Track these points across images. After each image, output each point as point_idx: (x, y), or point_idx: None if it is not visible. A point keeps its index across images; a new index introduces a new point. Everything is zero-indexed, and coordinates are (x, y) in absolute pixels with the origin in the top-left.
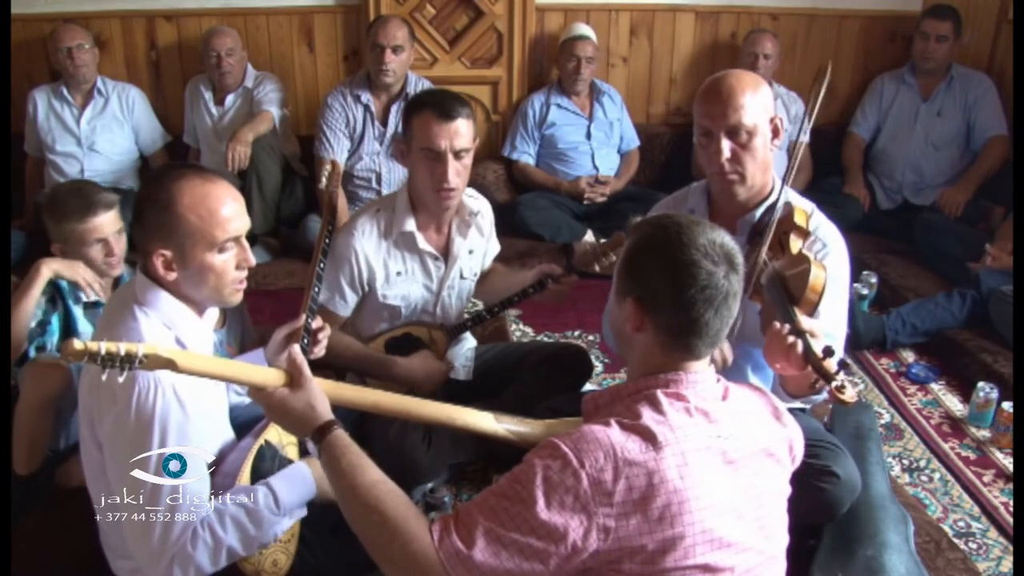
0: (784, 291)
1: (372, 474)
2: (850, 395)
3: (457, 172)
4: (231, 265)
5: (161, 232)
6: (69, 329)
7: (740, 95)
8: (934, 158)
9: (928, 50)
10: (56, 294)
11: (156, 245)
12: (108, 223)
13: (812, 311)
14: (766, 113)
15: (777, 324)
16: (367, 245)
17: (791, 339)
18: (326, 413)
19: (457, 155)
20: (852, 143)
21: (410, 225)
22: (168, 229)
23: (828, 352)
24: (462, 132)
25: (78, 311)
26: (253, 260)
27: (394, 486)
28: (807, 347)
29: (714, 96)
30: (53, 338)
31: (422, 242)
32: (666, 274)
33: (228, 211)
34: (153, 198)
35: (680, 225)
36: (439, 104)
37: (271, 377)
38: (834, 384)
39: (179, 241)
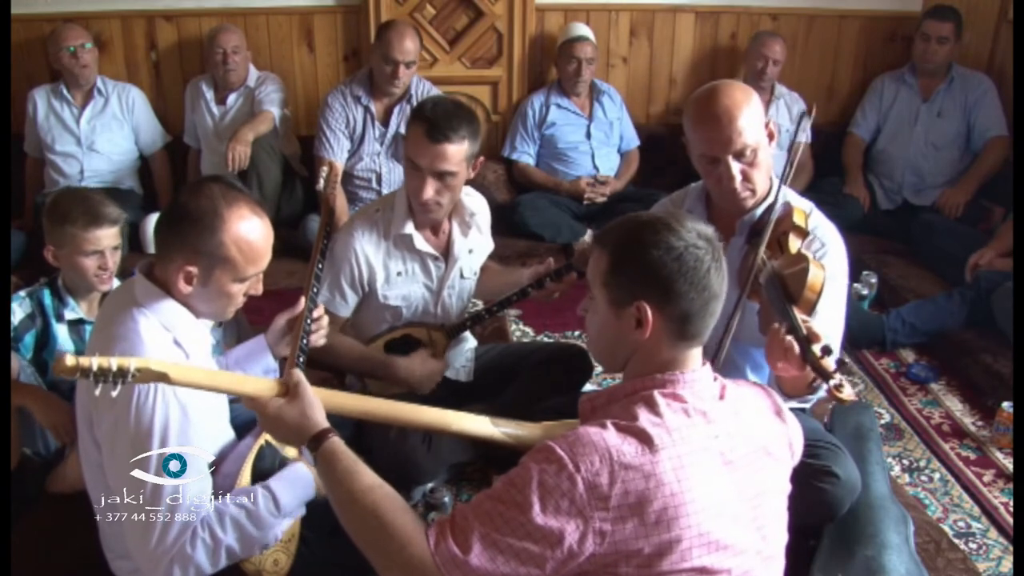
0: (783, 290)
1: (368, 480)
2: (848, 393)
3: (437, 190)
4: (243, 292)
5: (196, 251)
6: (46, 348)
7: (739, 116)
8: (934, 158)
9: (929, 51)
10: (38, 310)
11: (185, 261)
12: (109, 237)
13: (810, 311)
14: (761, 122)
15: (776, 324)
16: (367, 246)
17: (789, 339)
18: (322, 421)
19: (438, 175)
20: (852, 144)
21: (408, 227)
22: (204, 251)
23: (826, 351)
24: (447, 156)
25: (61, 329)
26: (261, 290)
27: (391, 491)
28: (805, 347)
29: (713, 122)
30: (26, 356)
31: (420, 243)
32: (674, 263)
33: (265, 250)
34: (199, 216)
35: (658, 219)
36: (434, 123)
37: (265, 388)
38: (832, 383)
39: (210, 264)
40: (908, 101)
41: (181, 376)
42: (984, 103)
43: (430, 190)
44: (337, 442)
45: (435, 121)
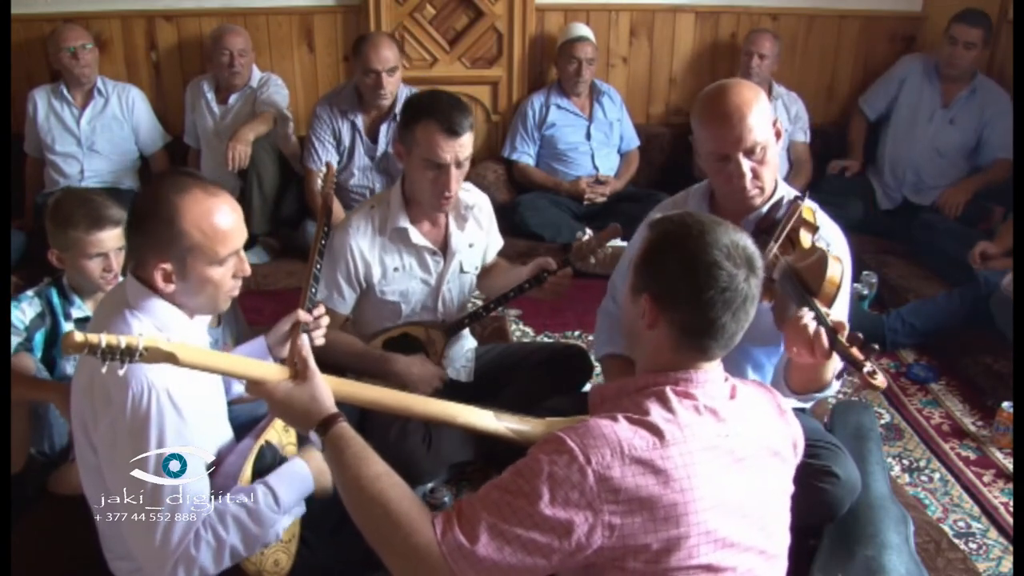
0: (800, 284)
1: (376, 467)
2: (881, 380)
3: (457, 180)
4: (228, 276)
5: (163, 246)
6: (55, 346)
7: (748, 114)
8: (937, 163)
9: (955, 56)
10: (47, 309)
11: (157, 259)
12: (112, 239)
13: (830, 303)
14: (770, 120)
15: (800, 314)
16: (362, 242)
17: (813, 328)
18: (331, 406)
19: (459, 164)
20: (858, 118)
21: (404, 222)
22: (170, 243)
23: (854, 339)
24: (466, 144)
25: (68, 327)
26: (249, 270)
27: (398, 479)
28: (833, 336)
29: (723, 120)
30: (36, 355)
31: (417, 237)
32: (686, 273)
33: (231, 227)
34: (155, 211)
35: (703, 224)
36: (446, 118)
37: (272, 371)
38: (866, 370)
39: (180, 255)
40: (927, 100)
41: (189, 357)
42: (1000, 122)
43: (455, 183)
44: (346, 427)
45: (448, 116)
